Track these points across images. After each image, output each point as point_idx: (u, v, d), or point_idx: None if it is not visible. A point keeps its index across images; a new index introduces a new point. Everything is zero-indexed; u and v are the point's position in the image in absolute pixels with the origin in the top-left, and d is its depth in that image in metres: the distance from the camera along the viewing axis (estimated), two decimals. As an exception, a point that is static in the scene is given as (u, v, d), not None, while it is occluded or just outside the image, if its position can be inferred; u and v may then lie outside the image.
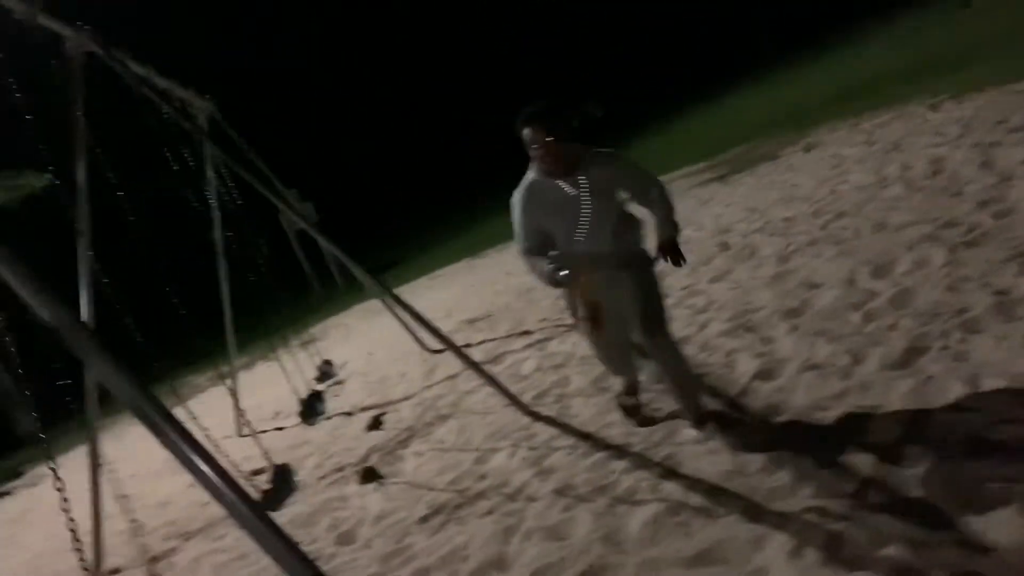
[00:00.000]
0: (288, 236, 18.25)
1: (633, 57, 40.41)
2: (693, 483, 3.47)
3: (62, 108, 4.93)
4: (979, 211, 5.10)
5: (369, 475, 5.54)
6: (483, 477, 4.64)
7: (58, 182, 4.54)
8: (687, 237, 8.13)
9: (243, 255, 8.01)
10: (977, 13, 17.20)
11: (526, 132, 3.54)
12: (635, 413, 4.39)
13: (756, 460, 3.44)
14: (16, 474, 13.13)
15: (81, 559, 3.41)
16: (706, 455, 3.65)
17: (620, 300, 3.85)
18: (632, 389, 4.41)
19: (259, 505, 1.96)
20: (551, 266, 3.46)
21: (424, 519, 4.42)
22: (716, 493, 3.31)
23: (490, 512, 4.10)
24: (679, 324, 5.61)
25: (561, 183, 3.62)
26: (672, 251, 3.67)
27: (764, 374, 4.25)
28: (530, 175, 3.71)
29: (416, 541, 4.20)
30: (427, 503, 4.63)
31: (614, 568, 3.10)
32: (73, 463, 11.77)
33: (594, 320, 3.82)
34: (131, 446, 10.95)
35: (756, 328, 4.92)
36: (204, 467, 1.84)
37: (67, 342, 1.86)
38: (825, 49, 25.00)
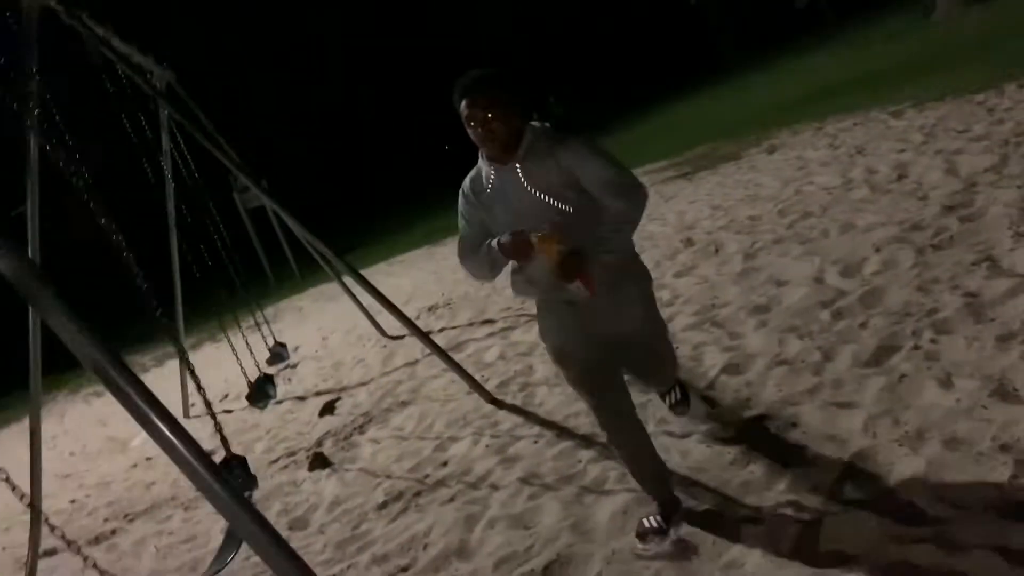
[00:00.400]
0: (241, 215, 17.84)
1: (595, 55, 40.51)
2: (663, 474, 3.41)
3: (15, 66, 4.68)
4: (946, 215, 5.14)
5: (319, 461, 5.38)
6: (444, 464, 4.53)
7: None
8: (650, 232, 8.12)
9: (196, 230, 7.74)
10: (938, 24, 17.57)
11: (463, 106, 2.67)
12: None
13: (727, 453, 3.40)
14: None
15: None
16: (675, 447, 3.60)
17: (596, 341, 2.92)
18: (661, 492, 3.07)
19: (222, 475, 1.83)
20: (488, 243, 2.84)
21: (382, 505, 4.30)
22: (687, 485, 3.25)
23: (452, 500, 4.00)
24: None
25: (507, 174, 2.77)
26: (575, 269, 2.56)
27: (732, 368, 4.22)
28: (478, 165, 2.91)
29: (374, 528, 4.08)
30: (385, 490, 4.51)
31: (582, 558, 3.03)
32: (8, 438, 11.35)
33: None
34: (71, 424, 10.58)
35: (723, 323, 4.89)
36: (166, 430, 1.70)
37: (22, 291, 1.70)
38: (787, 53, 25.35)
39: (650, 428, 3.85)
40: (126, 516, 5.86)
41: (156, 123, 7.02)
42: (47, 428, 9.79)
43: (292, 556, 1.89)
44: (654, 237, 7.96)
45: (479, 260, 2.91)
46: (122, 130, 5.74)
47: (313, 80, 38.89)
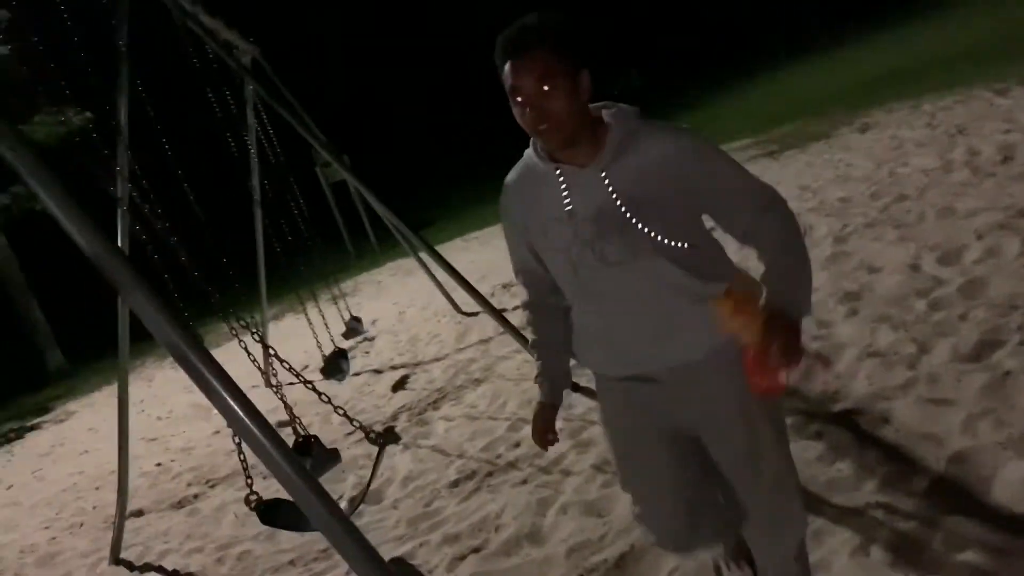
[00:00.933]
0: (324, 188, 18.13)
1: (678, 28, 39.59)
2: (743, 467, 3.29)
3: (107, 44, 4.79)
4: (1057, 201, 4.81)
5: (387, 437, 5.42)
6: (517, 445, 4.50)
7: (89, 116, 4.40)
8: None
9: (279, 204, 7.87)
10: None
11: (507, 72, 1.76)
12: None
13: (813, 448, 3.26)
14: (45, 409, 13.26)
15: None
16: (758, 439, 3.46)
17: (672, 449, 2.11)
18: None
19: (294, 455, 1.82)
20: (537, 376, 2.22)
21: (454, 484, 4.30)
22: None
23: (524, 482, 3.96)
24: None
25: (583, 184, 1.84)
26: (784, 342, 1.67)
27: (821, 359, 4.04)
28: (525, 160, 1.97)
29: (446, 506, 4.08)
30: (457, 468, 4.50)
31: (657, 552, 2.94)
32: (101, 402, 11.88)
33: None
34: (158, 389, 10.99)
35: (812, 310, 4.69)
36: (239, 410, 1.69)
37: (103, 272, 1.71)
38: (880, 25, 24.22)
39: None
40: (207, 482, 6.04)
41: (241, 99, 7.13)
42: (136, 392, 10.20)
43: (360, 540, 1.87)
44: (737, 218, 7.72)
45: (530, 345, 2.21)
46: (208, 105, 5.84)
47: (393, 57, 39.21)
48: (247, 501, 3.22)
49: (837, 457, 3.12)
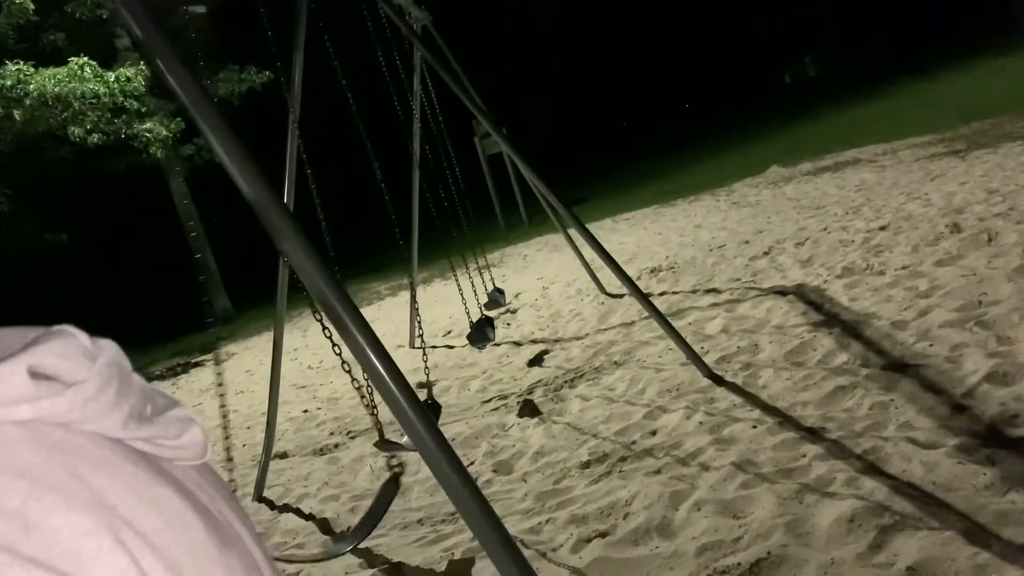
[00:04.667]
0: (480, 160, 18.40)
1: (864, 11, 37.21)
2: (900, 486, 3.03)
3: (287, 5, 4.97)
4: None
5: (533, 409, 5.42)
6: (653, 434, 4.37)
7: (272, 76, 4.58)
8: (909, 212, 7.33)
9: (437, 171, 8.02)
10: None
11: None
12: None
13: (983, 474, 2.95)
14: (208, 349, 14.28)
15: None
16: (919, 457, 3.18)
17: None
18: None
19: (430, 418, 1.81)
20: None
21: (586, 465, 4.23)
22: (928, 503, 2.87)
23: (658, 472, 3.84)
24: (893, 306, 5.02)
25: None
26: None
27: (998, 378, 3.67)
28: None
29: (575, 486, 4.02)
30: (590, 449, 4.43)
31: (796, 562, 2.77)
32: (258, 347, 12.64)
33: None
34: (311, 340, 11.55)
35: (991, 324, 4.27)
36: (381, 369, 1.68)
37: (263, 220, 1.75)
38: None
39: (890, 431, 3.46)
40: (349, 433, 6.28)
41: (409, 64, 7.27)
42: (290, 341, 10.77)
43: (486, 507, 1.84)
44: (913, 218, 7.17)
45: None
46: (377, 69, 5.98)
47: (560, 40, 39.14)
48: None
49: (1011, 487, 2.81)
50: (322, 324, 2.94)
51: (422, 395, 6.36)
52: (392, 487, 4.02)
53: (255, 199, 1.73)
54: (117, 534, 0.43)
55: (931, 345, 4.24)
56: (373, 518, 3.70)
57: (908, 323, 4.67)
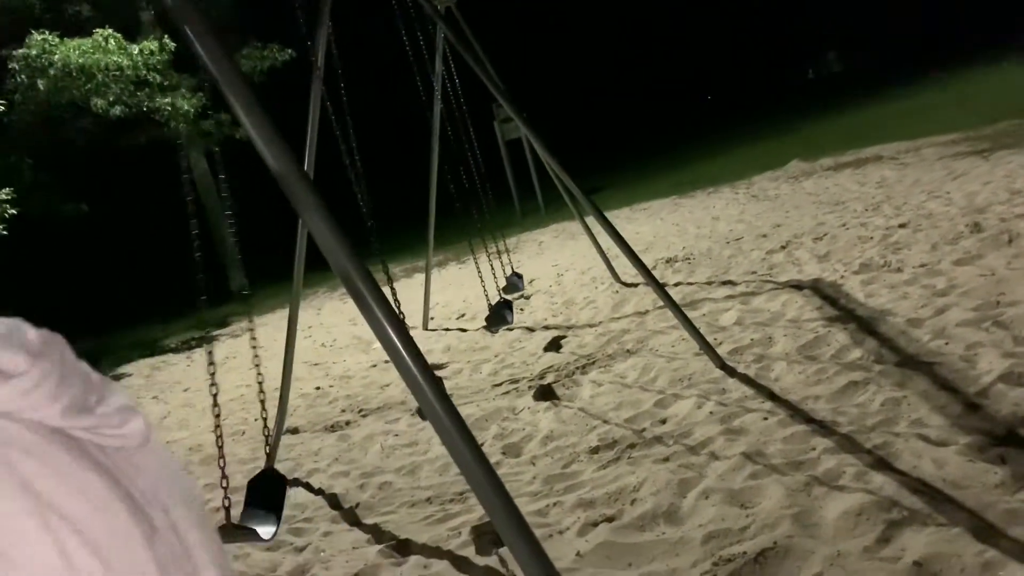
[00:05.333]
0: (499, 145, 18.37)
1: (890, 8, 36.78)
2: (909, 481, 3.03)
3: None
4: None
5: (544, 394, 5.44)
6: (663, 422, 4.38)
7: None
8: (929, 210, 7.27)
9: (456, 154, 8.02)
10: None
11: None
12: None
13: (994, 472, 2.95)
14: (224, 324, 14.38)
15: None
16: (929, 454, 3.18)
17: None
18: None
19: (446, 394, 1.83)
20: None
21: (595, 450, 4.25)
22: (937, 499, 2.86)
23: (666, 460, 3.85)
24: (910, 303, 5.00)
25: None
26: None
27: (1013, 378, 3.65)
28: None
29: (583, 470, 4.04)
30: (599, 435, 4.44)
31: (801, 553, 2.78)
32: (273, 324, 12.72)
33: None
34: (326, 318, 11.62)
35: (1009, 325, 4.24)
36: (399, 343, 1.70)
37: (287, 191, 1.76)
38: None
39: (901, 427, 3.46)
40: (360, 411, 6.32)
41: (433, 45, 7.26)
42: (304, 319, 10.83)
43: (496, 483, 1.86)
44: (933, 216, 7.11)
45: None
46: (401, 48, 5.99)
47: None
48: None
49: (1022, 486, 2.81)
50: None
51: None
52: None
53: (279, 171, 1.74)
54: (44, 518, 0.47)
55: (946, 343, 4.22)
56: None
57: (924, 321, 4.64)
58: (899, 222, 7.31)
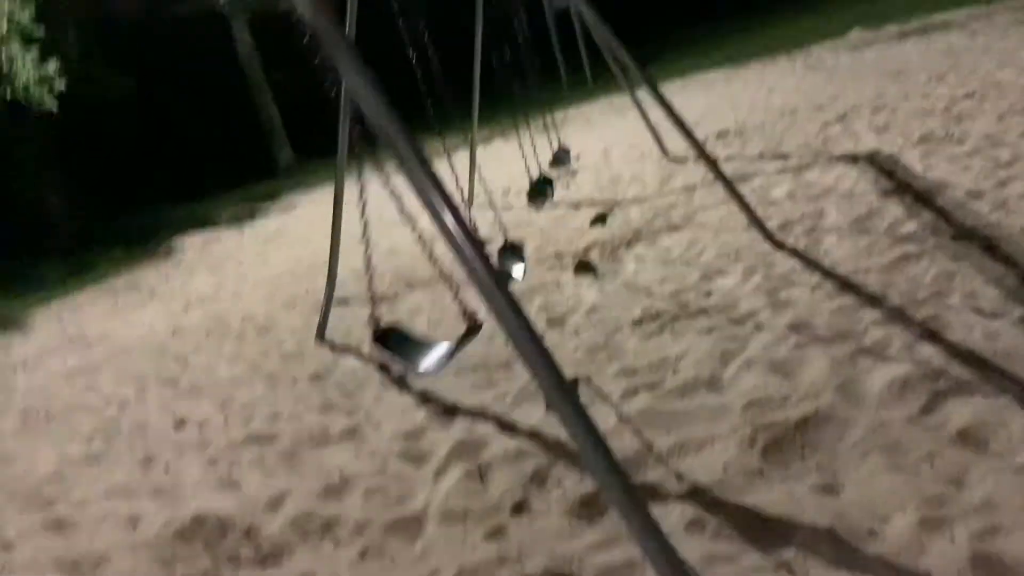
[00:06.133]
0: (547, 16, 17.71)
1: None
2: (959, 352, 2.99)
3: None
4: None
5: (584, 268, 5.45)
6: (708, 295, 4.36)
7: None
8: (999, 80, 6.88)
9: (502, 29, 7.75)
10: None
11: None
12: None
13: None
14: (273, 198, 14.55)
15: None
16: (983, 327, 3.12)
17: None
18: None
19: (494, 267, 1.82)
20: None
21: (638, 322, 4.27)
22: (987, 370, 2.83)
23: (710, 331, 3.86)
24: (971, 175, 4.80)
25: None
26: None
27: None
28: None
29: (626, 341, 4.07)
30: (643, 308, 4.45)
31: (843, 420, 2.79)
32: (321, 199, 12.83)
33: None
34: (372, 192, 11.65)
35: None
36: (446, 212, 1.69)
37: (325, 49, 1.72)
38: None
39: (954, 300, 3.40)
40: (407, 284, 6.41)
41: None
42: (350, 193, 10.86)
43: (542, 349, 1.88)
44: (1002, 86, 6.76)
45: None
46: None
47: None
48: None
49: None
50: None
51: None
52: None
53: (315, 25, 1.69)
54: None
55: (1007, 216, 4.07)
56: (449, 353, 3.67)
57: (984, 193, 4.47)
58: (964, 92, 6.95)
